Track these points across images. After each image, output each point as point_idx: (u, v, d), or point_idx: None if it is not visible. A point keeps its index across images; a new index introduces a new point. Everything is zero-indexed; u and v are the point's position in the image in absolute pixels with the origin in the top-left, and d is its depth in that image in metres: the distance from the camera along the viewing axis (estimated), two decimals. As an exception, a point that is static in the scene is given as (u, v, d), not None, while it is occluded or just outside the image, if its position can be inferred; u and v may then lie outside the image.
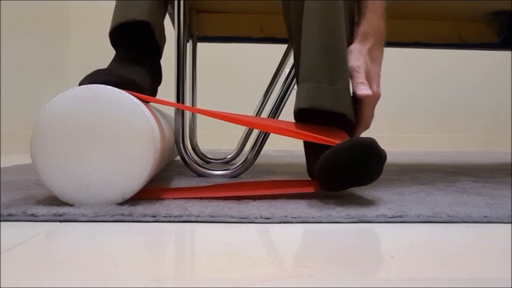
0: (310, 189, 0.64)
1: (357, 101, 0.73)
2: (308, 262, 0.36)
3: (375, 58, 0.73)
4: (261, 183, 0.73)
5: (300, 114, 0.72)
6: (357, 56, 0.71)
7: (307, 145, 0.73)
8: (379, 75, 0.74)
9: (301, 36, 0.73)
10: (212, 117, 0.67)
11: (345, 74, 0.70)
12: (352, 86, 0.70)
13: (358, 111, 0.74)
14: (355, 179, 0.59)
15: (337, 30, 0.71)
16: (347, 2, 0.73)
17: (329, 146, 0.64)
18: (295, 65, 0.78)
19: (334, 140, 0.64)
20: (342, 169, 0.57)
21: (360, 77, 0.70)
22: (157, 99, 0.65)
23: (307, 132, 0.66)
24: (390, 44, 1.26)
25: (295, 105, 0.72)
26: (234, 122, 0.68)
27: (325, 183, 0.61)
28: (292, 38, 0.79)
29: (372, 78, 0.72)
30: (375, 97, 0.72)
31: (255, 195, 0.62)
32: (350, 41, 0.74)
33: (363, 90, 0.69)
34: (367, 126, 0.75)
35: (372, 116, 0.74)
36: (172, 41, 0.89)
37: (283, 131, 0.68)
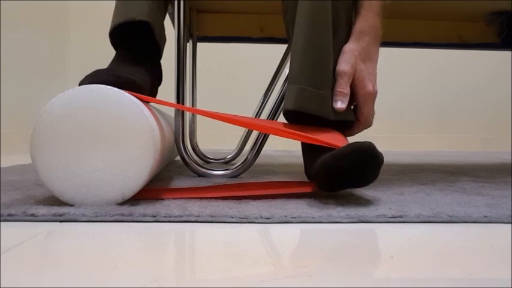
0: (308, 189, 0.65)
1: (354, 98, 0.73)
2: (308, 262, 0.36)
3: (371, 56, 0.73)
4: (260, 183, 0.73)
5: (288, 116, 0.73)
6: (347, 58, 0.71)
7: (305, 147, 0.73)
8: (375, 74, 0.74)
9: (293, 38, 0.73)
10: (212, 118, 0.67)
11: (330, 78, 0.71)
12: (333, 91, 0.71)
13: (356, 108, 0.74)
14: (353, 181, 0.59)
15: (323, 35, 0.71)
16: (345, 3, 0.73)
17: (327, 148, 0.64)
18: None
19: (333, 142, 0.65)
20: (341, 173, 0.57)
21: (341, 84, 0.70)
22: (157, 100, 0.65)
23: (306, 134, 0.66)
24: (390, 44, 1.28)
25: (283, 106, 0.73)
26: (233, 123, 0.68)
27: (323, 185, 0.62)
28: (289, 39, 0.79)
29: (365, 77, 0.72)
30: (371, 95, 0.72)
31: (255, 195, 0.62)
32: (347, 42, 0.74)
33: (338, 102, 0.70)
34: (368, 125, 0.75)
35: (372, 114, 0.74)
36: (172, 41, 0.89)
37: (282, 132, 0.68)
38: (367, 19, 0.73)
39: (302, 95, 0.69)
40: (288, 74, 0.73)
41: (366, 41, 0.72)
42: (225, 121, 0.68)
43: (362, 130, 0.76)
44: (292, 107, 0.70)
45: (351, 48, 0.72)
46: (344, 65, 0.71)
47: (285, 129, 0.69)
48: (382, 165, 0.58)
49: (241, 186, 0.69)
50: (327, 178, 0.59)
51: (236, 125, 0.69)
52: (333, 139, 0.67)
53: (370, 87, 0.72)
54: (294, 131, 0.68)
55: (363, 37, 0.72)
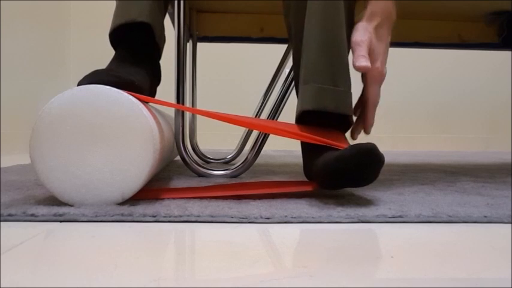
0: (308, 188, 0.65)
1: (362, 79, 0.72)
2: (308, 262, 0.36)
3: (381, 37, 0.72)
4: (260, 183, 0.73)
5: (302, 116, 0.72)
6: (361, 32, 0.70)
7: (305, 146, 0.73)
8: (386, 54, 0.73)
9: (303, 37, 0.73)
10: (212, 118, 0.67)
11: (346, 75, 0.71)
12: (353, 59, 0.69)
13: (363, 90, 0.73)
14: (354, 182, 0.59)
15: (338, 31, 0.71)
16: (346, 3, 0.73)
17: (327, 147, 0.64)
18: (294, 66, 0.78)
19: (334, 142, 0.65)
20: (343, 174, 0.57)
21: (361, 51, 0.69)
22: (157, 100, 0.65)
23: (307, 134, 0.66)
24: (390, 44, 1.27)
25: (299, 106, 0.72)
26: (234, 123, 0.68)
27: (324, 185, 0.62)
28: (291, 39, 0.79)
29: (376, 56, 0.71)
30: (380, 75, 0.71)
31: (255, 195, 0.62)
32: (349, 41, 0.74)
33: (362, 62, 0.68)
34: (375, 104, 0.74)
35: (378, 95, 0.73)
36: (172, 41, 0.88)
37: (283, 132, 0.68)
38: (378, 2, 0.72)
39: (321, 94, 0.69)
40: (302, 74, 0.72)
41: (377, 20, 0.71)
42: (225, 121, 0.68)
43: (373, 112, 0.74)
44: (311, 107, 0.69)
45: (363, 24, 0.71)
46: (360, 36, 0.69)
47: (285, 128, 0.69)
48: (382, 166, 0.58)
49: (241, 186, 0.69)
50: (329, 179, 0.59)
51: (236, 124, 0.69)
52: (334, 139, 0.67)
53: (379, 65, 0.70)
54: (294, 131, 0.68)
55: (374, 17, 0.72)
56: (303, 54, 0.72)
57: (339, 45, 0.71)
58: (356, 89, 0.74)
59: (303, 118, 0.73)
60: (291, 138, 0.68)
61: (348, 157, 0.56)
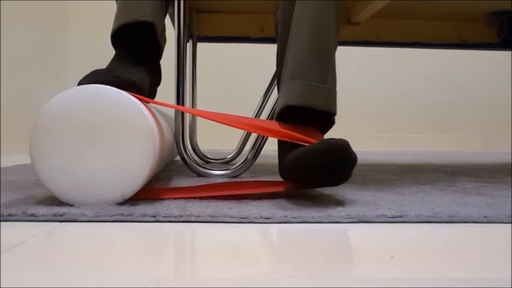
0: (280, 188, 0.63)
1: None
2: (308, 262, 0.36)
3: None
4: (234, 183, 0.72)
5: (284, 112, 0.71)
6: None
7: (280, 145, 0.72)
8: None
9: (292, 35, 0.73)
10: (206, 118, 0.66)
11: (333, 74, 0.71)
12: None
13: None
14: (324, 180, 0.57)
15: (327, 30, 0.71)
16: (335, 3, 0.73)
17: (302, 146, 0.63)
18: (278, 62, 0.78)
19: (308, 138, 0.63)
20: (313, 171, 0.55)
21: None
22: (156, 101, 0.65)
23: (279, 129, 0.65)
24: (390, 44, 1.28)
25: (284, 102, 0.70)
26: (229, 124, 0.67)
27: (294, 182, 0.60)
28: (278, 36, 0.79)
29: None
30: None
31: (255, 195, 0.62)
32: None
33: None
34: None
35: None
36: (172, 41, 0.89)
37: (254, 128, 0.65)
38: None
39: (307, 90, 0.69)
40: (289, 70, 0.72)
41: None
42: (221, 122, 0.66)
43: None
44: (296, 102, 0.69)
45: None
46: None
47: (261, 125, 0.67)
48: (355, 165, 0.56)
49: (213, 187, 0.67)
50: (297, 176, 0.58)
51: (227, 125, 0.67)
52: (309, 135, 0.65)
53: None
54: (268, 127, 0.66)
55: None
56: (291, 51, 0.72)
57: (328, 45, 0.71)
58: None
59: (286, 114, 0.72)
60: (261, 134, 0.66)
61: (315, 152, 0.54)
